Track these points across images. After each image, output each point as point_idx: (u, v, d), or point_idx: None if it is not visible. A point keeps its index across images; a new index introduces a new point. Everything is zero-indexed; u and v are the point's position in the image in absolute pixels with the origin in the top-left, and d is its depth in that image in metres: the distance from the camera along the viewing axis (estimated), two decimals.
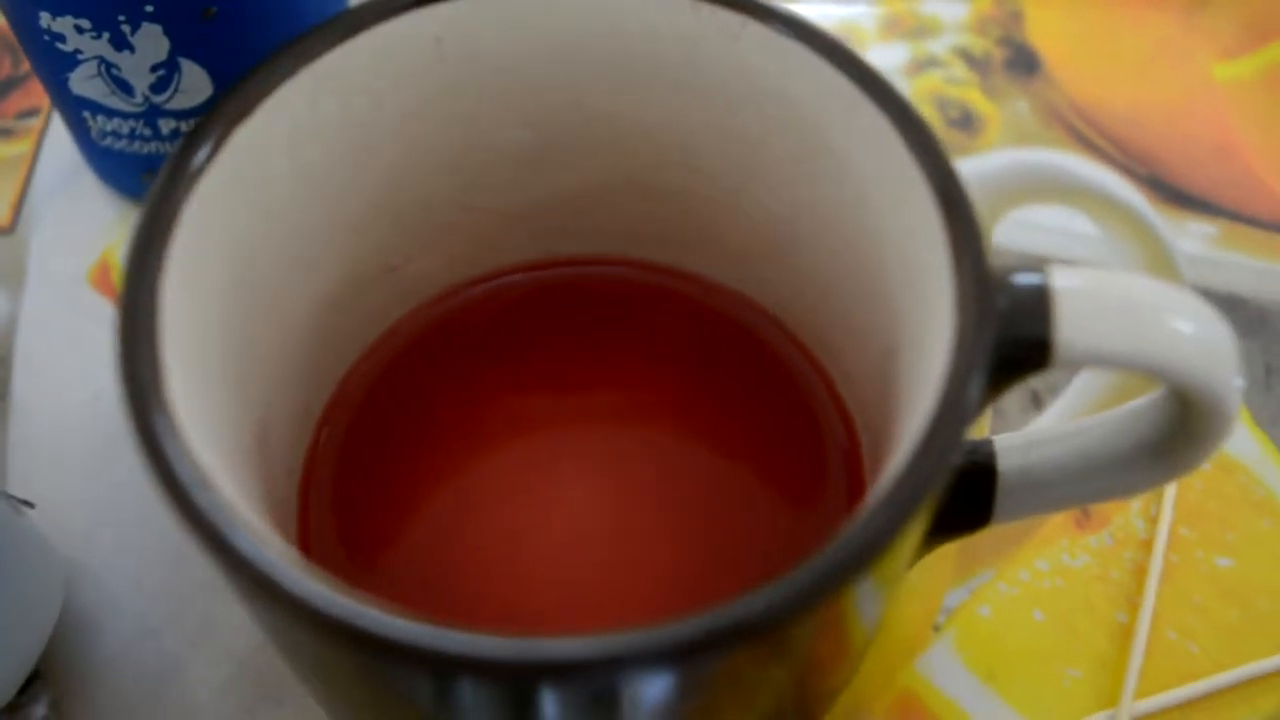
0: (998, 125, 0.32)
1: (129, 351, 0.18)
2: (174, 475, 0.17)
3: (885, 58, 0.33)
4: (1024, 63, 0.33)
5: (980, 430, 0.28)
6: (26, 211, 0.31)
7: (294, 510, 0.23)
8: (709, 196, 0.24)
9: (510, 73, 0.22)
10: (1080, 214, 0.22)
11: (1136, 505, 0.27)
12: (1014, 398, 0.28)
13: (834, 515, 0.23)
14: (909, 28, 0.34)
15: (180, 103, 0.27)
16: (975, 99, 0.33)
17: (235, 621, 0.26)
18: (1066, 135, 0.32)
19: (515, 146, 0.23)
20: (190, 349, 0.18)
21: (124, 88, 0.27)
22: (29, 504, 0.26)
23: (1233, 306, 0.30)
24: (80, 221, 0.31)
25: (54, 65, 0.27)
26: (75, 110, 0.28)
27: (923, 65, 0.33)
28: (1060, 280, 0.18)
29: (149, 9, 0.25)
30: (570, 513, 0.23)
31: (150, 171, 0.29)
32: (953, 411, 0.17)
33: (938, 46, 0.33)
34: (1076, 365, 0.18)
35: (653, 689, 0.17)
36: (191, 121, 0.28)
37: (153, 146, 0.28)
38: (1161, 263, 0.22)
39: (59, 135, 0.32)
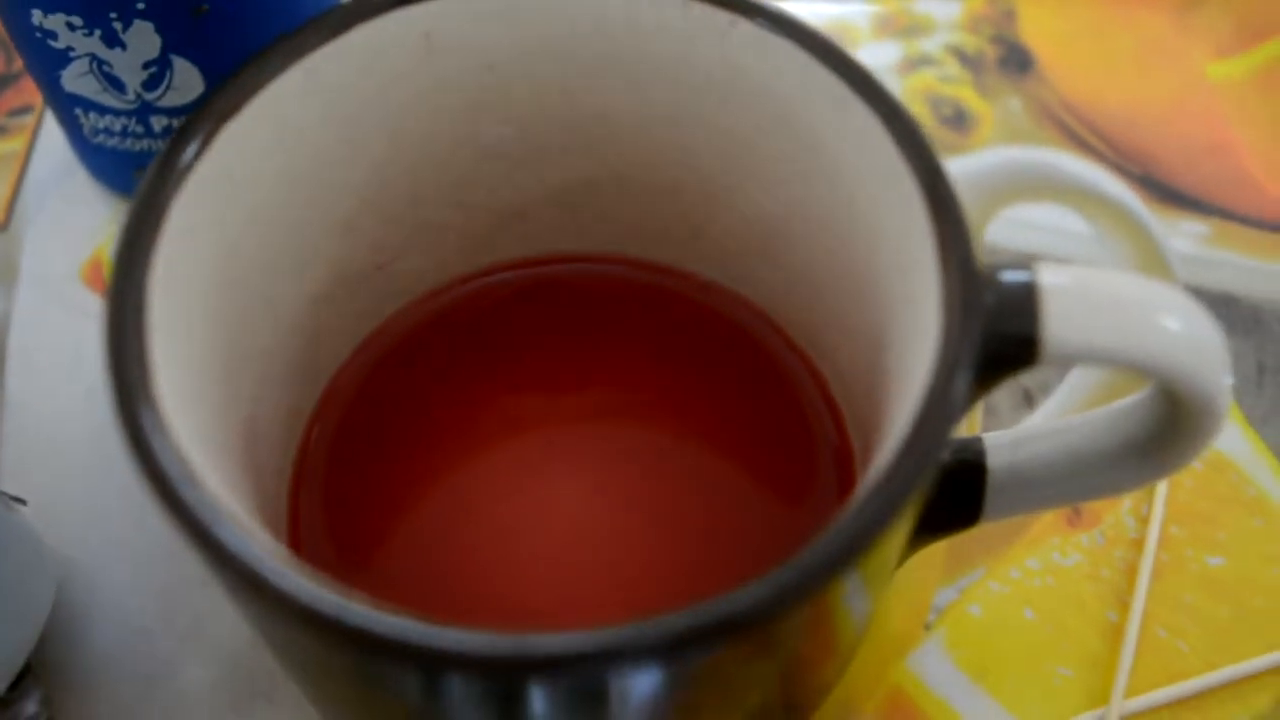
0: (990, 124, 0.32)
1: (117, 347, 0.18)
2: (161, 470, 0.17)
3: (878, 56, 0.33)
4: (1017, 61, 0.33)
5: (972, 428, 0.28)
6: (19, 209, 0.31)
7: (284, 509, 0.23)
8: (701, 194, 0.24)
9: (500, 69, 0.22)
10: (1073, 212, 0.22)
11: (1127, 504, 0.27)
12: (1005, 396, 0.28)
13: (825, 512, 0.23)
14: (901, 26, 0.34)
15: (172, 100, 0.27)
16: (968, 97, 0.33)
17: (227, 619, 0.26)
18: (1059, 134, 0.32)
19: (505, 143, 0.23)
20: (178, 345, 0.18)
21: (116, 85, 0.27)
22: (21, 500, 0.26)
23: (1225, 305, 0.30)
24: (73, 219, 0.31)
25: (46, 63, 0.27)
26: (67, 108, 0.28)
27: (915, 63, 0.33)
28: (1048, 277, 0.18)
29: (140, 6, 0.25)
30: (561, 511, 0.23)
31: (142, 169, 0.29)
32: (939, 407, 0.17)
33: (930, 45, 0.33)
34: (1065, 362, 0.18)
35: (641, 684, 0.17)
36: (184, 119, 0.28)
37: (145, 144, 0.28)
38: (1154, 261, 0.22)
39: (52, 133, 0.32)
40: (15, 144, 0.32)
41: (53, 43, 0.26)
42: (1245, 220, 0.31)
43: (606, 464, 0.24)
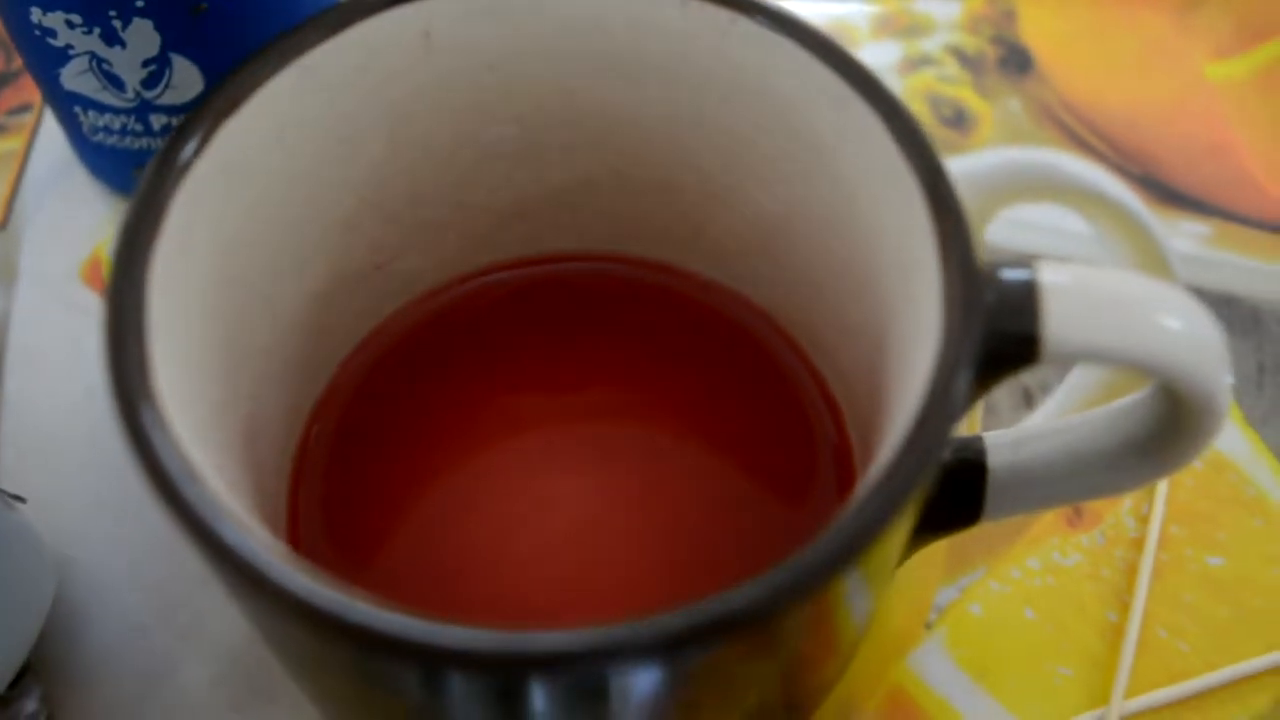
0: (990, 124, 0.32)
1: (116, 345, 0.18)
2: (161, 467, 0.17)
3: (878, 56, 0.33)
4: (1017, 61, 0.33)
5: (972, 427, 0.28)
6: (18, 207, 0.31)
7: (284, 506, 0.23)
8: (701, 192, 0.24)
9: (499, 67, 0.22)
10: (1073, 213, 0.22)
11: (1128, 504, 0.27)
12: (1006, 396, 0.28)
13: (825, 512, 0.23)
14: (901, 26, 0.34)
15: (171, 98, 0.27)
16: (968, 97, 0.33)
17: (226, 617, 0.26)
18: (1059, 134, 0.32)
19: (505, 142, 0.23)
20: (178, 343, 0.18)
21: (115, 83, 0.27)
22: (20, 498, 0.26)
23: (1226, 306, 0.30)
24: (72, 217, 0.31)
25: (45, 61, 0.27)
26: (67, 106, 0.28)
27: (915, 63, 0.33)
28: (1048, 276, 0.18)
29: (140, 4, 0.25)
30: (561, 509, 0.23)
31: (141, 167, 0.29)
32: (940, 406, 0.17)
33: (930, 45, 0.33)
34: (1065, 361, 0.18)
35: (640, 682, 0.17)
36: (183, 117, 0.28)
37: (144, 142, 0.28)
38: (1154, 261, 0.22)
39: (51, 131, 0.32)
40: (14, 142, 0.32)
41: (52, 41, 0.26)
42: (1245, 221, 0.31)
43: (606, 463, 0.24)
